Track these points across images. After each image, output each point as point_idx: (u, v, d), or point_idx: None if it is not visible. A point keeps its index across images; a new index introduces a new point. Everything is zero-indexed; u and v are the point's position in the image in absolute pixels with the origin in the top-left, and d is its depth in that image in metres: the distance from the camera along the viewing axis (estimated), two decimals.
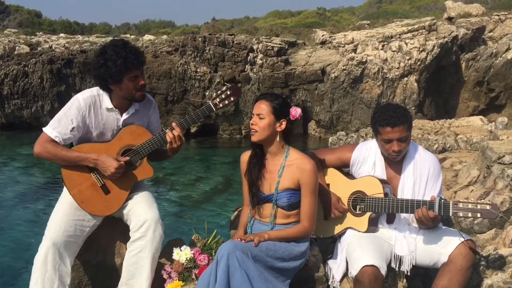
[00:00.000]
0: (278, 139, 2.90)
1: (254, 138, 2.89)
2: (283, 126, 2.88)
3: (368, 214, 3.03)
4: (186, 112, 13.75)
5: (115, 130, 3.11)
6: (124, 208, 3.11)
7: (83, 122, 3.02)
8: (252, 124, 2.89)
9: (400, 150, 2.96)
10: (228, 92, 3.08)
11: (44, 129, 3.01)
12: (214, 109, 3.09)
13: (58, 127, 2.98)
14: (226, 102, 3.09)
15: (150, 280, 2.97)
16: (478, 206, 2.73)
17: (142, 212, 3.02)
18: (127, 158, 3.01)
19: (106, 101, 3.07)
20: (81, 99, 3.03)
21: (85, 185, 3.03)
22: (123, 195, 3.08)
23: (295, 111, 2.89)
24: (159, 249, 3.06)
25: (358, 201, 3.07)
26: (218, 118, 14.98)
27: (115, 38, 3.02)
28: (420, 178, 3.04)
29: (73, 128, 2.98)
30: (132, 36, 18.72)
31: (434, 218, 2.83)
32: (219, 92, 3.12)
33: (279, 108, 2.87)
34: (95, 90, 3.09)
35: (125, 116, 3.12)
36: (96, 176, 3.04)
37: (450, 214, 2.81)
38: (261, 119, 2.86)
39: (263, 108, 2.87)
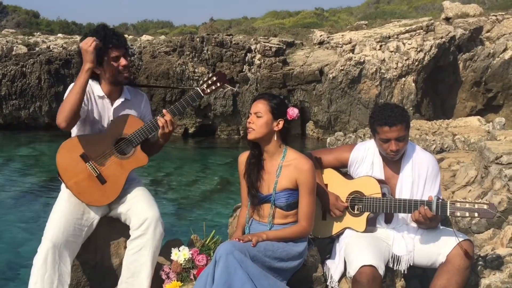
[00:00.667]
0: (275, 138, 2.91)
1: (251, 136, 2.90)
2: (280, 125, 2.89)
3: (366, 214, 3.04)
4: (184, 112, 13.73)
5: (106, 119, 3.15)
6: (122, 207, 3.12)
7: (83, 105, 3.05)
8: (249, 123, 2.90)
9: (398, 150, 2.97)
10: (215, 78, 3.17)
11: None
12: (202, 95, 3.17)
13: None
14: (213, 87, 3.17)
15: (150, 278, 2.98)
16: (476, 206, 2.74)
17: (142, 211, 3.03)
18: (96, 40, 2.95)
19: (96, 89, 3.13)
20: None
21: (81, 176, 3.04)
22: (119, 184, 3.09)
23: (293, 111, 2.91)
24: (159, 248, 3.07)
25: (356, 201, 3.07)
26: (216, 118, 14.99)
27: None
28: (419, 178, 3.04)
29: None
30: (130, 36, 18.68)
31: (433, 218, 2.84)
32: (205, 78, 3.22)
33: (277, 108, 2.89)
34: None
35: (115, 104, 3.16)
36: (92, 166, 3.04)
37: (448, 214, 2.82)
38: (258, 117, 2.88)
39: (260, 107, 2.89)
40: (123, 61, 3.06)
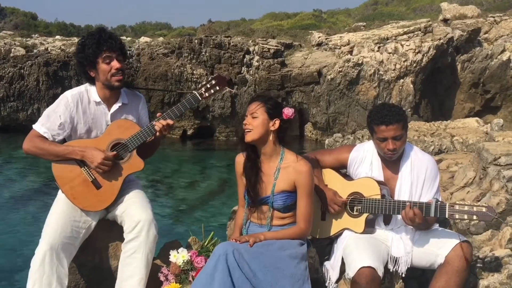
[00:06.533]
0: (271, 139, 2.90)
1: (248, 138, 2.89)
2: (277, 125, 2.89)
3: (365, 215, 3.04)
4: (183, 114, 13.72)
5: (103, 125, 3.14)
6: (118, 209, 3.11)
7: (71, 119, 3.07)
8: (246, 124, 2.90)
9: (395, 149, 2.97)
10: (213, 82, 3.09)
11: (34, 126, 3.07)
12: (200, 99, 3.10)
13: (46, 122, 3.04)
14: (212, 91, 3.10)
15: (144, 280, 2.96)
16: (474, 209, 2.74)
17: (135, 213, 3.01)
18: (114, 152, 3.03)
19: (93, 95, 3.12)
20: (69, 96, 3.10)
21: (77, 181, 3.03)
22: (114, 189, 3.08)
23: (288, 111, 2.91)
24: (153, 250, 3.05)
25: (355, 202, 3.07)
26: (215, 120, 14.99)
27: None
28: (417, 179, 3.04)
29: (61, 123, 3.04)
30: (129, 38, 18.68)
31: (420, 219, 2.81)
32: (204, 82, 3.14)
33: (272, 108, 2.89)
34: (83, 87, 3.16)
35: (112, 110, 3.14)
36: (87, 171, 3.04)
37: (446, 216, 2.82)
38: (254, 118, 2.88)
39: (256, 107, 2.90)
40: (115, 64, 3.04)
